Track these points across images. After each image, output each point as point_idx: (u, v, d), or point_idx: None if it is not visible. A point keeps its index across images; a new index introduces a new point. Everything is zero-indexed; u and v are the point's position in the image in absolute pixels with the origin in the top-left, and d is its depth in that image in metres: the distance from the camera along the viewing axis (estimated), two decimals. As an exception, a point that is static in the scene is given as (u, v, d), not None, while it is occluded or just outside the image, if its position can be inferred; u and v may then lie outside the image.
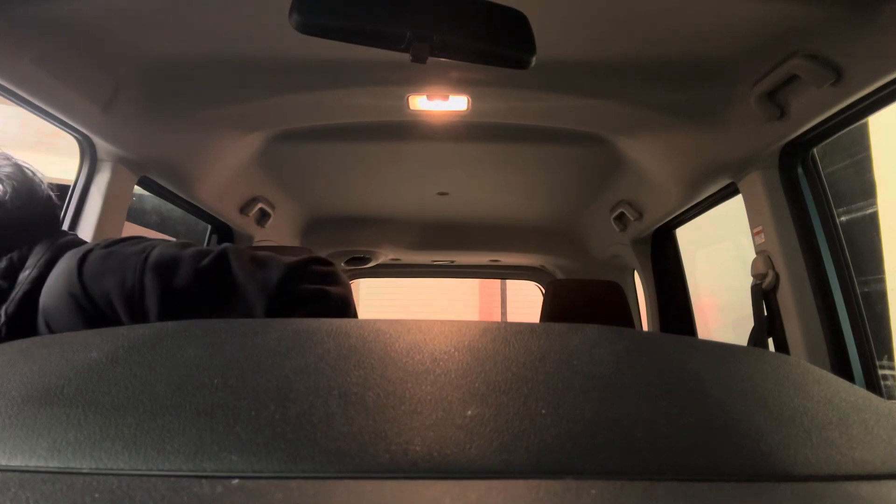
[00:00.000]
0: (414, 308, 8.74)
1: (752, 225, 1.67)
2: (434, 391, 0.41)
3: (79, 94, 1.38)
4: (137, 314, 0.77)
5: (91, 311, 0.78)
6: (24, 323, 0.80)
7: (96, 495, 0.30)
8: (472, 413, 0.39)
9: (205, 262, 0.80)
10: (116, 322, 0.77)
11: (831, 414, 0.44)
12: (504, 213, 2.89)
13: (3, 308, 0.80)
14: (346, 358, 0.46)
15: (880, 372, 1.53)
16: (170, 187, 1.95)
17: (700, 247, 3.32)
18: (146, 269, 0.78)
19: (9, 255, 0.84)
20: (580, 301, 2.13)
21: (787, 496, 0.34)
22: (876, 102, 1.25)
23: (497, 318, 9.63)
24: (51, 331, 0.79)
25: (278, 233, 2.66)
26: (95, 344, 0.50)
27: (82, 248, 0.83)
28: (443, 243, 3.25)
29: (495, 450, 0.35)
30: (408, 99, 1.63)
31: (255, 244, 2.49)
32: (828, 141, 1.51)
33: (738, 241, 3.08)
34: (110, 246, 0.82)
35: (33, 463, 0.34)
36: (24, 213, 0.88)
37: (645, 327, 2.84)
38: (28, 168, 0.91)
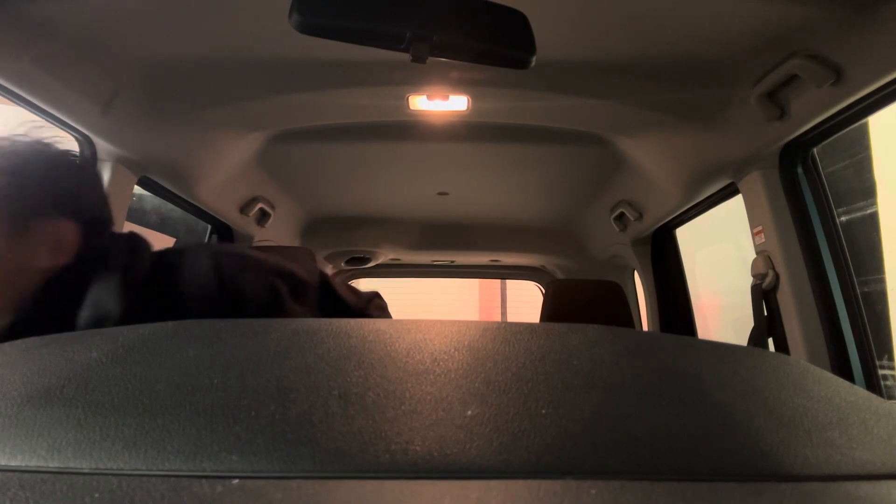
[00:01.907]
0: (414, 308, 8.73)
1: (752, 225, 1.67)
2: (434, 391, 0.41)
3: (79, 94, 1.38)
4: (276, 311, 0.87)
5: (224, 307, 0.86)
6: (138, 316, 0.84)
7: (96, 495, 0.30)
8: (472, 413, 0.39)
9: (314, 278, 0.96)
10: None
11: (831, 414, 0.44)
12: (504, 213, 2.89)
13: (123, 300, 0.84)
14: (346, 358, 0.46)
15: (880, 372, 1.53)
16: (170, 187, 1.95)
17: (700, 247, 3.32)
18: (276, 274, 0.90)
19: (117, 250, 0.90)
20: (580, 301, 2.13)
21: (787, 496, 0.34)
22: (876, 102, 1.25)
23: (497, 318, 9.62)
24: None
25: (278, 233, 2.66)
26: (95, 344, 0.50)
27: (205, 250, 0.93)
28: (443, 243, 3.24)
29: (495, 450, 0.35)
30: (408, 99, 1.63)
31: (255, 244, 2.49)
32: (828, 141, 1.51)
33: (738, 241, 3.08)
34: (236, 252, 0.93)
35: (33, 463, 0.34)
36: (107, 209, 0.98)
37: (645, 327, 2.84)
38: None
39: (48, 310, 0.82)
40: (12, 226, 0.84)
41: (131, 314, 0.81)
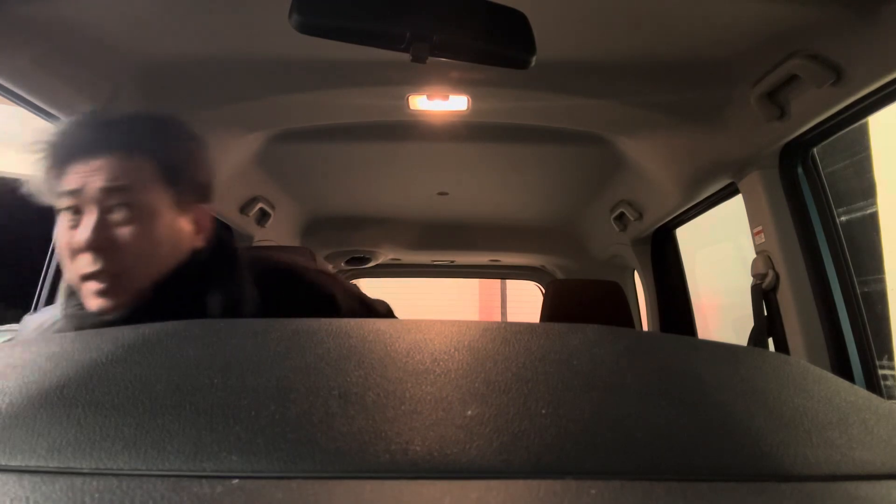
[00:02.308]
0: (414, 308, 8.74)
1: (752, 225, 1.67)
2: (434, 391, 0.41)
3: (79, 94, 1.38)
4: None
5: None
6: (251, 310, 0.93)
7: (96, 495, 0.30)
8: (472, 413, 0.39)
9: (384, 311, 1.11)
10: None
11: (831, 414, 0.44)
12: (504, 213, 2.89)
13: (246, 292, 0.91)
14: (346, 358, 0.46)
15: (880, 372, 1.53)
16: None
17: (700, 247, 3.32)
18: (360, 301, 1.05)
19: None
20: (580, 301, 2.13)
21: (787, 496, 0.34)
22: (876, 102, 1.25)
23: (497, 318, 9.62)
24: None
25: (278, 233, 2.66)
26: (95, 344, 0.50)
27: (296, 260, 1.04)
28: (443, 243, 3.24)
29: (495, 450, 0.35)
30: (408, 99, 1.63)
31: (254, 244, 2.49)
32: (828, 141, 1.51)
33: (738, 241, 3.08)
34: (330, 273, 1.06)
35: (33, 463, 0.34)
36: None
37: (645, 327, 2.84)
38: None
39: (176, 292, 0.86)
40: (179, 204, 0.89)
41: (251, 307, 0.88)
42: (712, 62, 1.42)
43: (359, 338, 0.51)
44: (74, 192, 0.83)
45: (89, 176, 0.83)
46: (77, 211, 0.84)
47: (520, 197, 2.66)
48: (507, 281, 8.83)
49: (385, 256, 3.37)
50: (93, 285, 0.82)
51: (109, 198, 0.83)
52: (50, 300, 1.51)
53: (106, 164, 0.84)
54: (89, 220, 0.82)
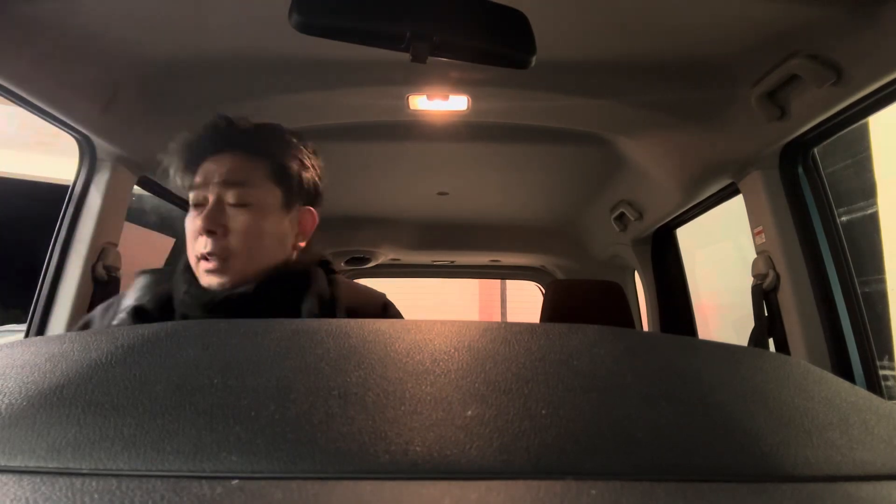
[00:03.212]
0: (414, 308, 8.73)
1: (753, 225, 1.67)
2: (434, 391, 0.41)
3: (79, 94, 1.38)
4: None
5: None
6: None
7: (96, 496, 0.30)
8: (472, 413, 0.39)
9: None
10: None
11: (832, 414, 0.44)
12: (504, 213, 2.89)
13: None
14: (346, 358, 0.46)
15: (881, 372, 1.53)
16: (169, 187, 1.95)
17: (700, 247, 3.31)
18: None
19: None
20: (580, 301, 2.12)
21: (787, 496, 0.34)
22: (876, 102, 1.25)
23: (497, 318, 9.62)
24: None
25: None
26: (95, 344, 0.49)
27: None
28: (443, 243, 3.24)
29: (495, 450, 0.35)
30: (408, 99, 1.63)
31: None
32: (828, 141, 1.51)
33: (739, 241, 3.08)
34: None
35: (33, 463, 0.34)
36: None
37: (645, 327, 2.84)
38: None
39: (277, 285, 0.94)
40: (286, 204, 1.00)
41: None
42: (712, 62, 1.42)
43: (359, 338, 0.51)
44: (201, 185, 0.98)
45: (213, 171, 0.97)
46: (203, 202, 0.97)
47: (520, 197, 2.66)
48: (507, 281, 8.84)
49: (385, 256, 3.36)
50: (205, 264, 0.94)
51: (227, 190, 0.95)
52: (49, 301, 1.51)
53: (227, 161, 0.98)
54: (208, 208, 0.95)
